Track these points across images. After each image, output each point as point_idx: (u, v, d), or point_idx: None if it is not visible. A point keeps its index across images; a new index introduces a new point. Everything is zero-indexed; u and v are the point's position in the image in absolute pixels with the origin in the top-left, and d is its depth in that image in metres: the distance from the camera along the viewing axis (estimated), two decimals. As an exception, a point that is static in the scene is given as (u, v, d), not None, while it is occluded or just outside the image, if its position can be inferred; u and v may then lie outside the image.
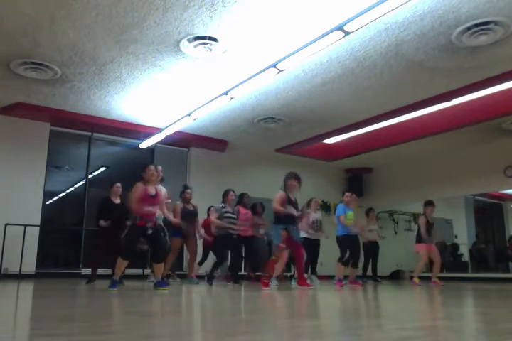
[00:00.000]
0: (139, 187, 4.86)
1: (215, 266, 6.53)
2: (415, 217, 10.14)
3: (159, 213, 5.43)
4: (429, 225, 7.35)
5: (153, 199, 4.91)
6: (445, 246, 10.94)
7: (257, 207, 7.56)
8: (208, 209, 7.74)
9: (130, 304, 3.48)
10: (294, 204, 5.55)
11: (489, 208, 11.42)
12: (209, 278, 6.39)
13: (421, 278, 7.21)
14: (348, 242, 6.72)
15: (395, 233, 10.93)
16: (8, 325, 2.17)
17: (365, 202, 10.83)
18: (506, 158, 8.85)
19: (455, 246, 10.90)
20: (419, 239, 7.28)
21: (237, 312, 3.01)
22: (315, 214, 7.51)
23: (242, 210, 7.08)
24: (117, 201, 6.22)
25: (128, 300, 3.85)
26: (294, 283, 7.02)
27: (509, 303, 3.88)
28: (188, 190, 6.79)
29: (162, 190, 5.61)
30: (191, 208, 6.76)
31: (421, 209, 7.68)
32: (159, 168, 5.82)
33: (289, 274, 8.04)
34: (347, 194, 6.86)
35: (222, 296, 4.64)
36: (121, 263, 4.83)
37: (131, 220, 4.94)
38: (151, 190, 4.91)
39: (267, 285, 5.30)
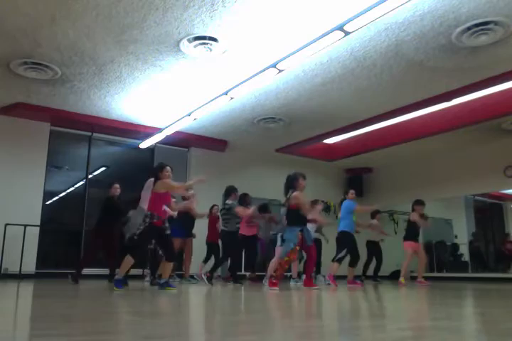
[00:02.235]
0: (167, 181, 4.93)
1: (218, 264, 6.55)
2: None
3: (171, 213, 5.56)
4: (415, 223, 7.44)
5: (168, 197, 5.03)
6: (445, 245, 10.96)
7: (265, 208, 7.55)
8: (211, 208, 7.74)
9: (130, 304, 3.48)
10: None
11: (489, 208, 11.42)
12: (210, 277, 6.40)
13: (413, 277, 7.29)
14: (348, 240, 6.74)
15: (395, 233, 10.90)
16: (8, 325, 2.17)
17: (365, 202, 10.82)
18: (506, 158, 8.85)
19: (455, 246, 10.90)
20: (407, 237, 7.36)
21: (237, 313, 3.01)
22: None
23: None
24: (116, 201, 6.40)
25: (128, 300, 3.85)
26: (293, 283, 7.04)
27: (509, 303, 3.88)
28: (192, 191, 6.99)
29: None
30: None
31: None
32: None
33: (288, 274, 8.04)
34: (352, 191, 7.00)
35: (222, 296, 4.64)
36: (129, 261, 4.76)
37: (148, 219, 4.84)
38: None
39: (275, 285, 5.26)
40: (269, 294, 4.69)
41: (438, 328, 2.12)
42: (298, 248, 5.46)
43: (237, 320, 2.47)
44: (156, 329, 1.97)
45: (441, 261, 10.87)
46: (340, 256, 6.73)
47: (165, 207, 4.95)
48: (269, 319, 2.62)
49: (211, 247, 7.61)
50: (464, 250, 10.63)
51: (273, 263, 5.92)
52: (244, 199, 7.08)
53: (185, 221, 6.80)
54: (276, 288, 5.19)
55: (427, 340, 1.84)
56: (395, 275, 10.34)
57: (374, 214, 8.57)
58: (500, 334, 1.95)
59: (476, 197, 10.72)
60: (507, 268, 10.16)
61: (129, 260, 4.75)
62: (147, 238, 4.90)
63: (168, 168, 5.00)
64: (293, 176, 5.63)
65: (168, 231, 4.91)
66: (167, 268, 5.00)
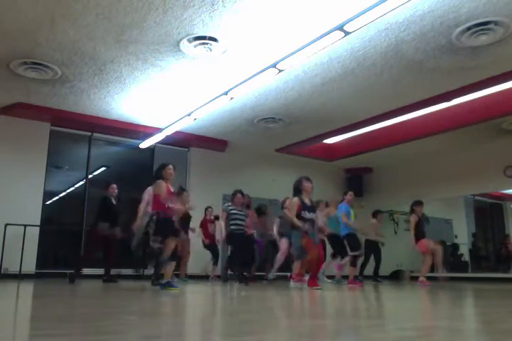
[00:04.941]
0: (163, 184, 4.94)
1: (230, 264, 6.58)
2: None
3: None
4: (422, 222, 7.43)
5: (172, 194, 5.04)
6: (445, 245, 10.96)
7: (262, 209, 7.63)
8: (206, 210, 7.73)
9: (130, 304, 3.48)
10: (310, 208, 5.63)
11: (489, 208, 11.42)
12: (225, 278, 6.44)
13: (413, 277, 7.31)
14: (355, 239, 6.84)
15: (395, 233, 10.93)
16: (8, 325, 2.17)
17: (365, 202, 10.82)
18: (506, 158, 8.85)
19: (455, 246, 10.90)
20: (419, 235, 7.34)
21: (237, 313, 3.01)
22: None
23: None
24: (115, 202, 6.51)
25: (127, 300, 3.85)
26: (292, 284, 7.01)
27: (509, 303, 3.88)
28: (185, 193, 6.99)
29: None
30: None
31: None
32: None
33: (288, 274, 8.03)
34: (350, 193, 7.06)
35: (223, 296, 4.64)
36: (171, 242, 4.81)
37: (155, 217, 4.89)
38: (170, 188, 5.04)
39: (315, 283, 5.39)
40: (264, 295, 4.67)
41: (438, 328, 2.12)
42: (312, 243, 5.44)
43: (237, 320, 2.47)
44: (156, 329, 1.97)
45: (442, 261, 10.85)
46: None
47: (172, 204, 4.95)
48: (269, 319, 2.62)
49: (213, 248, 7.66)
50: (464, 250, 10.63)
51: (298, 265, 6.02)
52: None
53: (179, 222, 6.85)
54: (318, 286, 5.36)
55: (426, 340, 1.84)
56: (395, 276, 10.38)
57: (375, 215, 8.53)
58: (500, 334, 1.95)
59: (476, 197, 10.73)
60: (507, 269, 10.16)
61: (168, 241, 4.80)
62: (163, 230, 4.87)
63: (170, 166, 5.04)
64: (298, 179, 5.76)
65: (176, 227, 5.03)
66: (169, 267, 4.99)
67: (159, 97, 7.06)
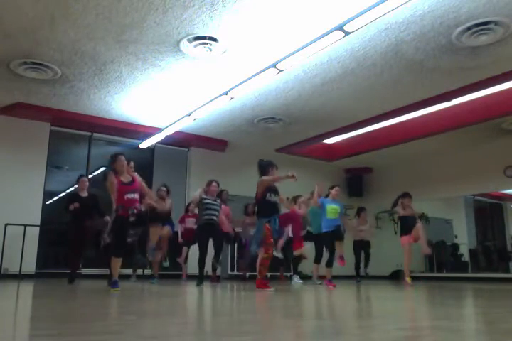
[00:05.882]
0: (111, 175, 4.75)
1: (200, 262, 6.24)
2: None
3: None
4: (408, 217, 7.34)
5: (129, 185, 4.77)
6: (445, 245, 10.96)
7: (248, 208, 7.61)
8: (188, 205, 7.71)
9: (129, 304, 3.48)
10: (274, 191, 5.37)
11: (489, 208, 11.43)
12: (199, 277, 6.16)
13: (413, 277, 7.28)
14: (327, 239, 6.65)
15: (395, 233, 10.91)
16: (8, 325, 2.17)
17: (365, 202, 10.83)
18: (506, 158, 8.85)
19: (455, 246, 10.90)
20: (401, 232, 7.28)
21: (236, 313, 3.01)
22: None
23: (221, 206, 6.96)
24: (84, 194, 6.39)
25: (127, 300, 3.85)
26: (293, 283, 7.00)
27: (509, 303, 3.88)
28: (163, 188, 7.01)
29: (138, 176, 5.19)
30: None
31: (420, 210, 7.67)
32: (131, 163, 5.56)
33: (288, 274, 8.03)
34: (336, 188, 6.84)
35: (220, 296, 4.64)
36: (116, 262, 4.61)
37: (114, 212, 4.72)
38: (124, 179, 4.80)
39: (265, 285, 4.98)
40: (263, 295, 4.64)
41: (438, 328, 2.11)
42: (272, 240, 5.10)
43: (236, 320, 2.47)
44: (155, 329, 1.97)
45: (442, 261, 10.86)
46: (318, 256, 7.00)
47: (132, 195, 4.70)
48: (268, 319, 2.62)
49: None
50: (464, 250, 10.63)
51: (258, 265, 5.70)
52: (219, 196, 6.87)
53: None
54: (268, 288, 4.90)
55: (426, 340, 1.84)
56: (395, 276, 10.37)
57: (358, 213, 8.46)
58: (500, 335, 1.95)
59: (476, 197, 10.74)
60: (507, 268, 10.16)
61: (113, 260, 4.62)
62: (115, 231, 4.73)
63: (122, 157, 4.89)
64: (267, 162, 5.46)
65: (132, 218, 4.60)
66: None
67: (159, 97, 7.06)
